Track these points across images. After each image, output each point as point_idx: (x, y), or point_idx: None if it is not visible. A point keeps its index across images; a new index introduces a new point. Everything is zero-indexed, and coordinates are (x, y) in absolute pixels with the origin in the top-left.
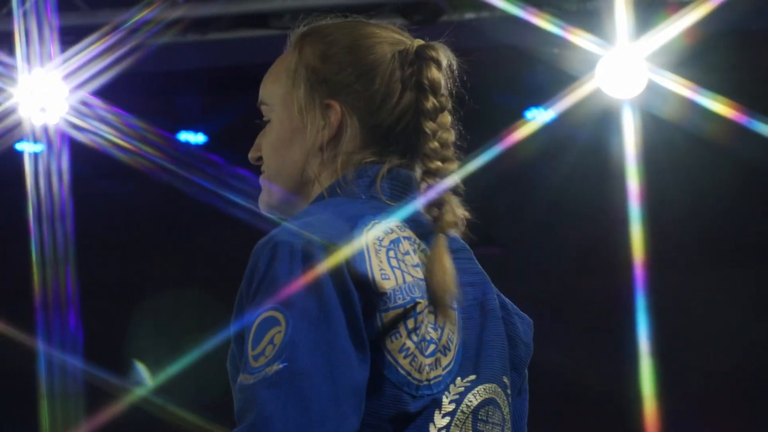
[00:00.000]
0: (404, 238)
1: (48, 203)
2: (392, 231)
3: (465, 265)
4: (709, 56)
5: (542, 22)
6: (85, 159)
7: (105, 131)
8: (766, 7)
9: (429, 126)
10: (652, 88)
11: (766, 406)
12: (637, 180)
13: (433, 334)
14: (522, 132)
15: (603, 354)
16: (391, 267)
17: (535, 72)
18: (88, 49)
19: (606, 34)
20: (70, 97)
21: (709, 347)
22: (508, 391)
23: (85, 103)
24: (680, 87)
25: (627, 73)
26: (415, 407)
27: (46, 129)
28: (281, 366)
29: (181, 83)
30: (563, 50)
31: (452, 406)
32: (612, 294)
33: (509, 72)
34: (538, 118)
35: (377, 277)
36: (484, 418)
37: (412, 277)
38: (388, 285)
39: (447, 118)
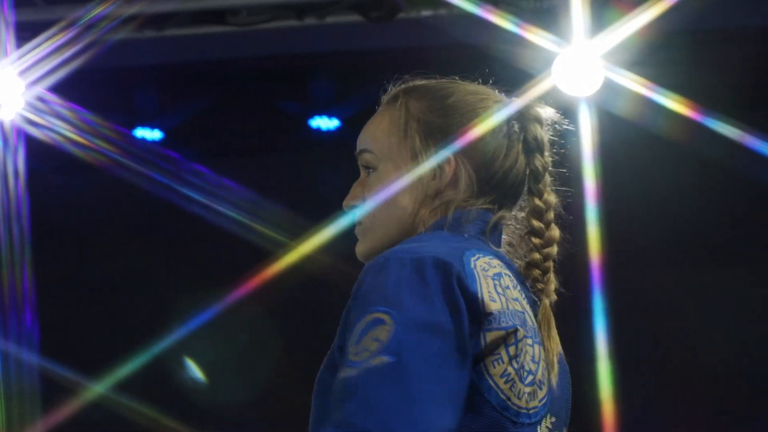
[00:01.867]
0: (505, 274)
1: (4, 199)
2: (495, 266)
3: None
4: (665, 54)
5: (499, 19)
6: (41, 155)
7: (61, 127)
8: (721, 6)
9: (536, 186)
10: (609, 86)
11: (725, 407)
12: (593, 179)
13: (532, 366)
14: (479, 130)
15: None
16: (497, 293)
17: (491, 70)
18: (44, 45)
19: (562, 32)
20: (26, 93)
21: (667, 348)
22: None
23: (41, 99)
24: (636, 85)
25: (583, 71)
26: None
27: (1, 125)
28: (387, 359)
29: (137, 79)
30: (520, 48)
31: None
32: (569, 294)
33: (465, 69)
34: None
35: (485, 297)
36: None
37: (513, 307)
38: (494, 306)
39: (549, 179)
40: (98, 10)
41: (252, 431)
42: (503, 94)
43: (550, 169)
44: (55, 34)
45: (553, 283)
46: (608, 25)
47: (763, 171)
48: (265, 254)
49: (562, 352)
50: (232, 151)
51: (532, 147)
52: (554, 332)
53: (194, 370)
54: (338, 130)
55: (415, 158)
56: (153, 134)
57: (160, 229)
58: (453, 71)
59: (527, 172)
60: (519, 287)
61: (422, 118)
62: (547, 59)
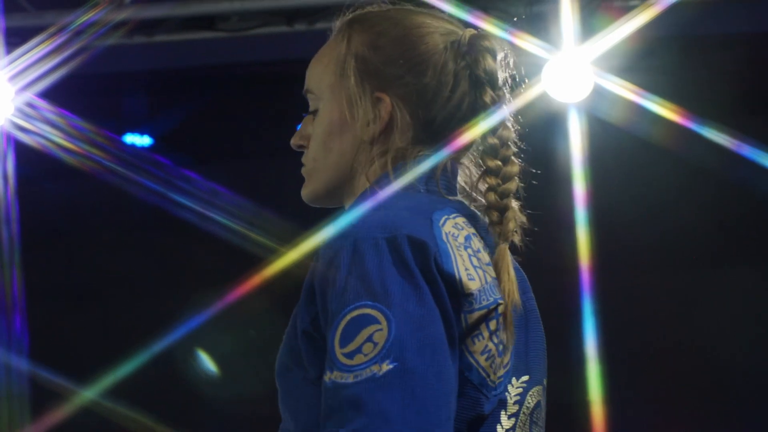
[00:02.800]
0: (472, 234)
1: None
2: (462, 227)
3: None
4: (654, 60)
5: (489, 25)
6: (30, 161)
7: (51, 133)
8: (711, 12)
9: (489, 121)
10: (599, 92)
11: (713, 410)
12: (583, 184)
13: (502, 334)
14: (468, 136)
15: (550, 358)
16: (474, 267)
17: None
18: (33, 51)
19: (552, 38)
20: (16, 98)
21: (656, 351)
22: (545, 393)
23: (30, 105)
24: (626, 91)
25: (573, 77)
26: (488, 408)
27: None
28: (392, 366)
29: (127, 85)
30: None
31: (516, 408)
32: (558, 298)
33: None
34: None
35: (464, 277)
36: (537, 421)
37: (491, 276)
38: (473, 286)
39: (506, 114)
40: (88, 16)
41: None
42: (460, 24)
43: (503, 102)
44: (44, 40)
45: (512, 222)
46: (598, 32)
47: (753, 177)
48: (256, 260)
49: (532, 297)
50: (223, 156)
51: (482, 80)
52: (507, 278)
53: (207, 363)
54: None
55: (350, 99)
56: (143, 140)
57: (150, 235)
58: None
59: (477, 108)
60: (483, 240)
61: (360, 54)
62: (537, 65)
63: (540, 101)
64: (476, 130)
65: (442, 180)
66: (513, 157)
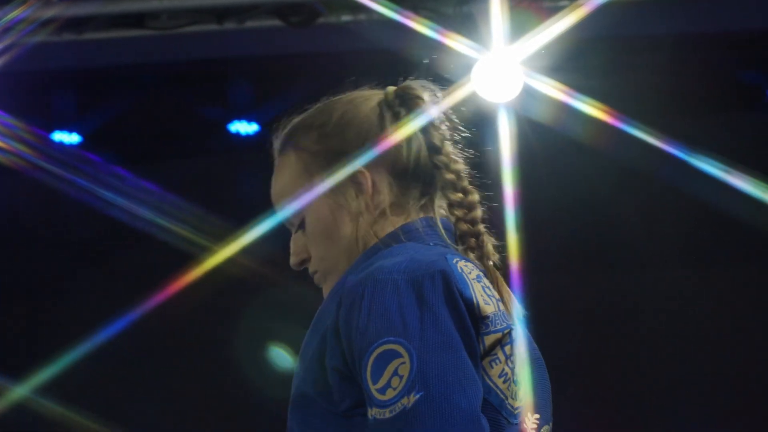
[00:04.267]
0: (482, 275)
1: None
2: (471, 268)
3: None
4: (583, 60)
5: (418, 25)
6: None
7: None
8: (639, 13)
9: (440, 160)
10: (528, 92)
11: (653, 412)
12: (513, 184)
13: (515, 365)
14: (399, 135)
15: None
16: (487, 295)
17: (411, 75)
18: None
19: (482, 37)
20: None
21: (584, 354)
22: None
23: None
24: (556, 91)
25: (503, 76)
26: None
27: None
28: (418, 396)
29: (56, 83)
30: (439, 54)
31: None
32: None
33: (385, 75)
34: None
35: (480, 301)
36: None
37: (501, 308)
38: (489, 310)
39: (450, 148)
40: (16, 13)
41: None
42: (379, 86)
43: (448, 139)
44: None
45: (489, 243)
46: (527, 32)
47: (681, 177)
48: (186, 257)
49: (539, 354)
50: (151, 155)
51: (424, 125)
52: (506, 291)
53: (285, 357)
54: (257, 134)
55: (331, 191)
56: (71, 138)
57: (79, 233)
58: (372, 76)
59: (429, 150)
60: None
61: (317, 151)
62: (467, 65)
63: (469, 101)
64: (435, 168)
65: (443, 233)
66: (470, 187)
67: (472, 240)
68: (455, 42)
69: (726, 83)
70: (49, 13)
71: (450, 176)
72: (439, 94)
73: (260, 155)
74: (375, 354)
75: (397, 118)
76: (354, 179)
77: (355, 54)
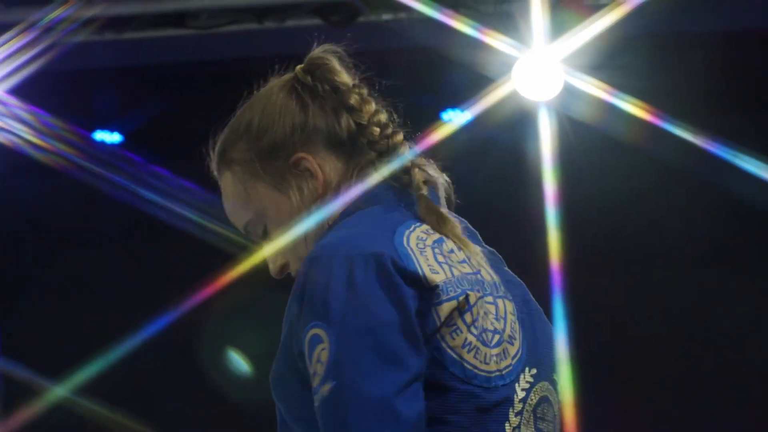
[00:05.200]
0: (445, 238)
1: None
2: (432, 233)
3: (500, 265)
4: (624, 58)
5: (459, 23)
6: (1, 158)
7: (21, 130)
8: (680, 10)
9: (362, 117)
10: (569, 91)
11: (684, 413)
12: (553, 183)
13: (497, 325)
14: (439, 134)
15: None
16: (438, 263)
17: (452, 73)
18: (3, 47)
19: (522, 36)
20: None
21: (627, 352)
22: (558, 388)
23: (0, 102)
24: (596, 89)
25: (543, 75)
26: (491, 399)
27: None
28: (332, 384)
29: (97, 82)
30: (479, 52)
31: (521, 405)
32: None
33: (426, 73)
34: (454, 119)
35: (426, 272)
36: (542, 416)
37: (460, 271)
38: (438, 278)
39: (370, 102)
40: (58, 13)
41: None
42: (284, 71)
43: (366, 96)
44: (14, 37)
45: (420, 174)
46: (568, 30)
47: (722, 175)
48: (227, 256)
49: (531, 296)
50: (192, 153)
51: (339, 89)
52: (451, 226)
53: (239, 362)
54: None
55: (280, 190)
56: (112, 137)
57: (121, 232)
58: (413, 74)
59: (350, 112)
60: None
61: (249, 157)
62: (507, 63)
63: (510, 100)
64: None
65: (393, 192)
66: (394, 130)
67: (405, 177)
68: (495, 40)
69: (765, 81)
70: (90, 12)
71: (375, 130)
72: (344, 54)
73: None
74: (307, 338)
75: (314, 92)
76: (297, 167)
77: (395, 52)
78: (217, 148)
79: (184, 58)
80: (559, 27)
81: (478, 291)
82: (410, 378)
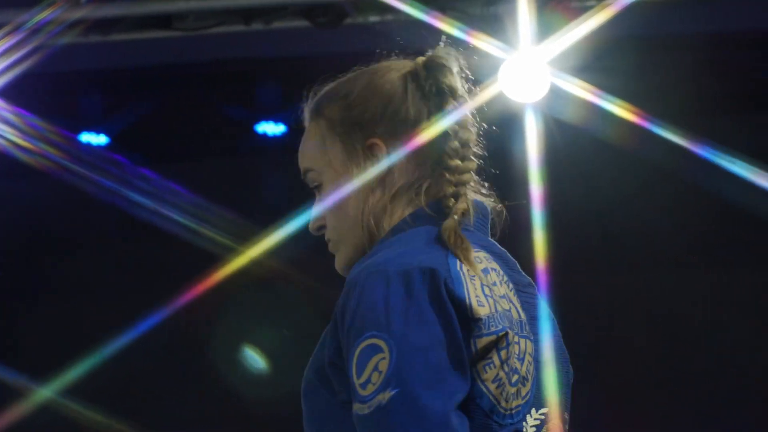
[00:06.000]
0: (491, 269)
1: None
2: (481, 261)
3: (532, 300)
4: (611, 61)
5: (446, 25)
6: None
7: (7, 132)
8: (666, 13)
9: (451, 127)
10: (555, 92)
11: (669, 413)
12: (539, 184)
13: (517, 364)
14: (425, 135)
15: None
16: (485, 295)
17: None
18: None
19: (509, 38)
20: None
21: (612, 353)
22: (567, 428)
23: None
24: (583, 91)
25: (530, 77)
26: None
27: None
28: (393, 392)
29: (83, 84)
30: (466, 54)
31: None
32: None
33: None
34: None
35: (473, 302)
36: None
37: (502, 307)
38: (483, 312)
39: (467, 117)
40: (44, 15)
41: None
42: (410, 56)
43: (468, 112)
44: (0, 39)
45: (465, 203)
46: (554, 32)
47: (709, 177)
48: (212, 258)
49: (558, 333)
50: (178, 156)
51: (445, 94)
52: (463, 247)
53: (255, 359)
54: (284, 135)
55: (346, 161)
56: (98, 139)
57: (107, 234)
58: None
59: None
60: (505, 276)
61: (337, 119)
62: (494, 65)
63: (496, 101)
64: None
65: (465, 217)
66: (470, 156)
67: (451, 201)
68: (482, 42)
69: (752, 83)
70: (77, 14)
71: (454, 144)
72: (465, 66)
73: (287, 156)
74: (360, 347)
75: (421, 88)
76: (371, 150)
77: (382, 55)
78: (318, 95)
79: (170, 60)
80: (545, 29)
81: (513, 329)
82: (461, 397)
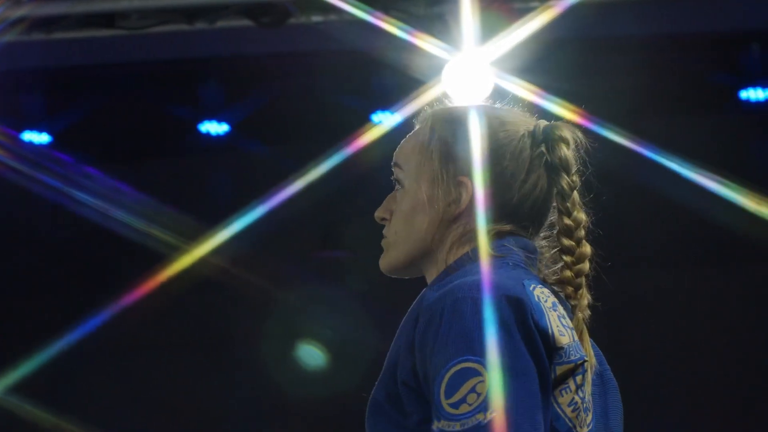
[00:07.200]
0: (557, 303)
1: None
2: (549, 296)
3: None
4: (554, 62)
5: (389, 26)
6: None
7: None
8: (609, 14)
9: (564, 205)
10: (499, 93)
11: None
12: (482, 186)
13: (587, 393)
14: (368, 136)
15: None
16: (563, 325)
17: (382, 76)
18: None
19: (453, 39)
20: None
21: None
22: None
23: None
24: (526, 92)
25: (473, 77)
26: None
27: None
28: (492, 415)
29: (25, 82)
30: (410, 54)
31: None
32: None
33: (356, 75)
34: (384, 122)
35: (555, 332)
36: None
37: (577, 338)
38: (564, 341)
39: (578, 197)
40: None
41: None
42: (534, 117)
43: (578, 187)
44: None
45: (585, 299)
46: (498, 33)
47: (652, 177)
48: (156, 257)
49: (609, 368)
50: (121, 154)
51: (557, 167)
52: (587, 344)
53: (315, 354)
54: (227, 134)
55: (434, 182)
56: (41, 137)
57: (49, 232)
58: (343, 76)
59: (554, 192)
60: (566, 311)
61: (445, 141)
62: (438, 66)
63: (440, 102)
64: (546, 212)
65: (523, 254)
66: (585, 240)
67: (570, 289)
68: (426, 43)
69: (697, 84)
70: (19, 12)
71: (569, 222)
72: (583, 143)
73: (230, 155)
74: (453, 370)
75: (533, 151)
76: (458, 185)
77: (325, 54)
78: (443, 107)
79: (113, 59)
80: (489, 30)
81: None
82: (545, 427)
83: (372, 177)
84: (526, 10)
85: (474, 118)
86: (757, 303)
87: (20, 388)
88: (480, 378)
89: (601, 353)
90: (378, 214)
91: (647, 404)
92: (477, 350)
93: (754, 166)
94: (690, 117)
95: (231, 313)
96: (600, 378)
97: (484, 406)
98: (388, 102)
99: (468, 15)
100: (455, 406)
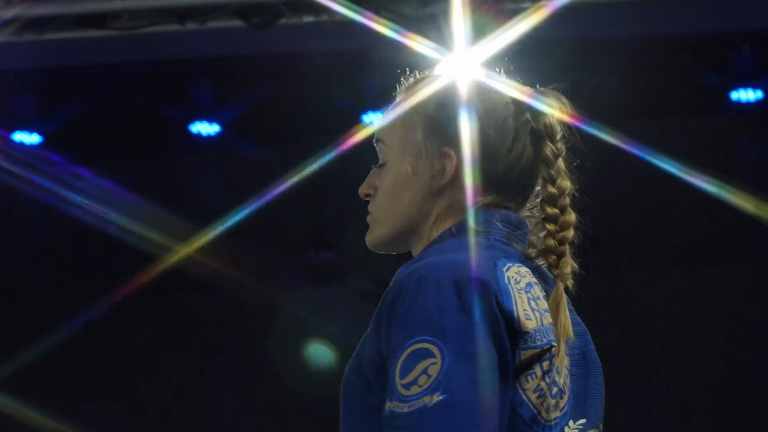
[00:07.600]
0: (534, 283)
1: None
2: (525, 275)
3: (570, 315)
4: (544, 62)
5: (380, 27)
6: None
7: None
8: (601, 15)
9: (548, 172)
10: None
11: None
12: (472, 184)
13: (557, 377)
14: (359, 136)
15: None
16: (531, 309)
17: (373, 76)
18: None
19: (443, 39)
20: None
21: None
22: None
23: None
24: (516, 92)
25: (464, 78)
26: None
27: None
28: (441, 397)
29: (16, 83)
30: (401, 55)
31: None
32: None
33: (347, 76)
34: (375, 122)
35: (521, 316)
36: None
37: (547, 320)
38: (530, 325)
39: (563, 164)
40: None
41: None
42: (520, 85)
43: (564, 155)
44: None
45: (569, 266)
46: (489, 33)
47: (641, 176)
48: (146, 257)
49: (593, 348)
50: (112, 155)
51: (542, 134)
52: (563, 316)
53: (325, 352)
54: (219, 135)
55: (417, 154)
56: (31, 138)
57: (40, 232)
58: (334, 77)
59: (538, 160)
60: (544, 291)
61: (428, 113)
62: (428, 66)
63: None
64: (532, 181)
65: (506, 229)
66: (570, 207)
67: (553, 257)
68: (417, 43)
69: (687, 85)
70: (10, 13)
71: (553, 190)
72: (567, 110)
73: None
74: (409, 350)
75: (517, 119)
76: (442, 156)
77: (317, 55)
78: (425, 77)
79: (105, 60)
80: (480, 30)
81: (557, 343)
82: (504, 408)
83: (363, 177)
84: (517, 11)
85: (456, 89)
86: (747, 303)
87: (6, 386)
88: (433, 360)
89: (587, 331)
90: (362, 190)
91: (647, 403)
92: (434, 331)
93: (745, 166)
94: (681, 118)
95: (221, 312)
96: (583, 358)
97: (432, 389)
98: (379, 102)
99: (459, 15)
100: (407, 387)
